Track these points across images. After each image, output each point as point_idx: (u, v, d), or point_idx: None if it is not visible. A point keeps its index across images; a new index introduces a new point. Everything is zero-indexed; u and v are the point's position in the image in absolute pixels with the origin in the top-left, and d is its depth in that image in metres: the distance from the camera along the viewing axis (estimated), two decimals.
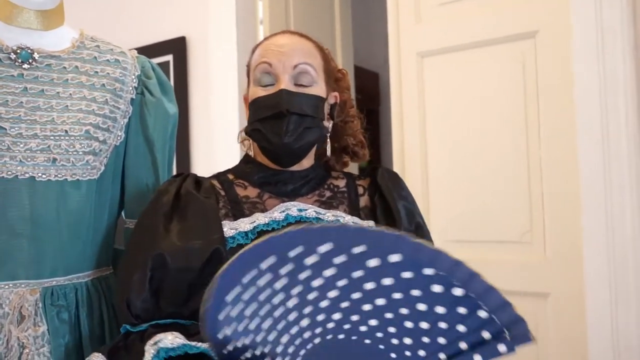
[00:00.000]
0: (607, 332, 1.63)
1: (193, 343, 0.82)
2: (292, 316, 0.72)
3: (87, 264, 1.05)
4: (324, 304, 0.71)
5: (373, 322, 0.72)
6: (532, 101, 1.81)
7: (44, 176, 0.98)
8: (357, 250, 0.67)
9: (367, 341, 0.73)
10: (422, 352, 0.73)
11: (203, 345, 0.81)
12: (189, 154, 2.35)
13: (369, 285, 0.69)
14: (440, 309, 0.70)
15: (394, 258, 0.67)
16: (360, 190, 1.08)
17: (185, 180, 1.03)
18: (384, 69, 2.36)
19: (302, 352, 0.74)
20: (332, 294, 0.70)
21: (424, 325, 0.71)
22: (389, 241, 0.68)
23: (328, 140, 1.10)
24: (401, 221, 1.01)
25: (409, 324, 0.72)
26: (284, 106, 0.99)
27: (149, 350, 0.81)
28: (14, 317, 0.95)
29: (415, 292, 0.69)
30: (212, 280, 0.67)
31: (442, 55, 1.97)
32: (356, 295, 0.70)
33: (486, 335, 0.71)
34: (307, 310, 0.71)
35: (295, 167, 1.06)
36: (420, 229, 1.04)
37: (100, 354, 0.89)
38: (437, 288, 0.69)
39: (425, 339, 0.72)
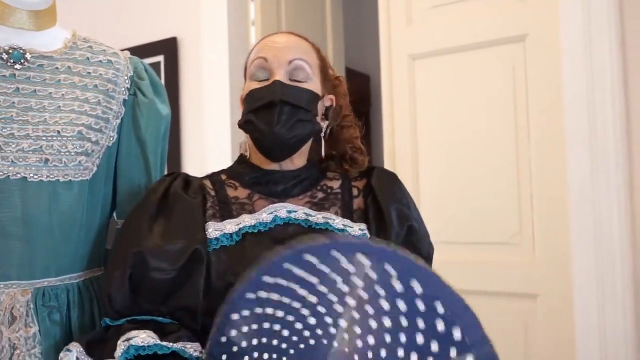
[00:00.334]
0: (595, 332, 1.64)
1: (164, 343, 0.84)
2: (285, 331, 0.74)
3: (79, 265, 1.05)
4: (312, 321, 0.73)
5: (358, 330, 0.73)
6: (522, 104, 1.83)
7: (36, 177, 0.98)
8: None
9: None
10: None
11: (175, 346, 0.84)
12: (180, 155, 2.34)
13: (362, 294, 0.70)
14: (420, 324, 0.70)
15: (388, 268, 0.68)
16: (355, 191, 1.07)
17: (176, 180, 1.03)
18: (376, 71, 2.37)
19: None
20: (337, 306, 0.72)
21: (403, 338, 0.71)
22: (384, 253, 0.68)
23: (323, 142, 1.09)
24: (392, 224, 0.99)
25: (388, 338, 0.72)
26: (277, 96, 0.99)
27: (121, 345, 0.84)
28: (6, 318, 0.95)
29: (401, 305, 0.70)
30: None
31: (434, 58, 1.99)
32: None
33: (453, 354, 0.70)
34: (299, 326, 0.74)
35: (287, 167, 1.05)
36: (412, 232, 1.02)
37: (78, 344, 0.90)
38: (421, 304, 0.69)
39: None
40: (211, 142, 2.26)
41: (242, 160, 1.10)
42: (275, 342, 0.76)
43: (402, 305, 0.69)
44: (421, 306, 0.68)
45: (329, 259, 0.69)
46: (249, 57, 1.09)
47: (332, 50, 2.61)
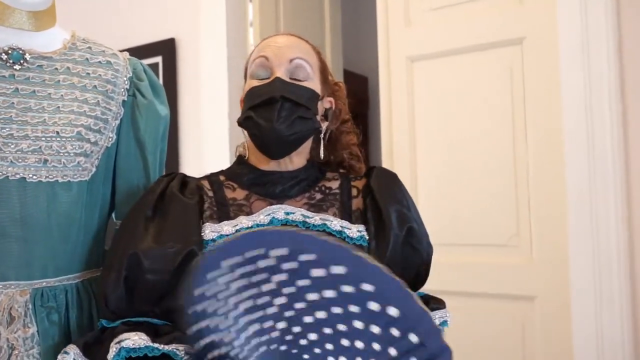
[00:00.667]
0: (592, 334, 1.65)
1: (156, 345, 0.85)
2: (243, 319, 0.73)
3: (77, 265, 1.05)
4: (270, 310, 0.72)
5: (313, 337, 0.72)
6: (519, 106, 1.84)
7: (34, 177, 0.98)
8: (306, 257, 0.67)
9: (306, 357, 0.73)
10: None
11: (166, 348, 0.84)
12: (177, 155, 2.34)
13: (312, 296, 0.70)
14: (375, 329, 0.70)
15: (337, 270, 0.68)
16: (354, 192, 1.07)
17: (173, 180, 1.03)
18: (373, 72, 2.37)
19: (251, 358, 0.74)
20: (279, 300, 0.71)
21: (359, 344, 0.71)
22: (333, 252, 0.68)
23: (322, 143, 1.09)
24: (391, 225, 0.99)
25: (345, 342, 0.72)
26: (278, 93, 0.99)
27: (112, 347, 0.85)
28: (4, 319, 0.95)
29: (354, 308, 0.70)
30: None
31: (431, 60, 1.99)
32: (299, 305, 0.71)
33: None
34: (257, 315, 0.72)
35: (285, 167, 1.05)
36: (412, 234, 1.01)
37: (75, 346, 0.91)
38: (373, 306, 0.69)
39: None
40: (209, 143, 2.26)
41: (240, 161, 1.10)
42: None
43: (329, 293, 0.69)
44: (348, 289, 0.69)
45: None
46: (249, 58, 1.09)
47: (330, 52, 2.61)
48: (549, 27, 1.76)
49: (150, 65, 1.25)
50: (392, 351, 0.70)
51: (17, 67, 1.01)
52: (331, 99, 1.11)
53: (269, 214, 0.99)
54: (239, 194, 1.04)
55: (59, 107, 1.02)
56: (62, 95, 1.03)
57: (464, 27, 1.93)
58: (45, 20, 1.06)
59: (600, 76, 1.66)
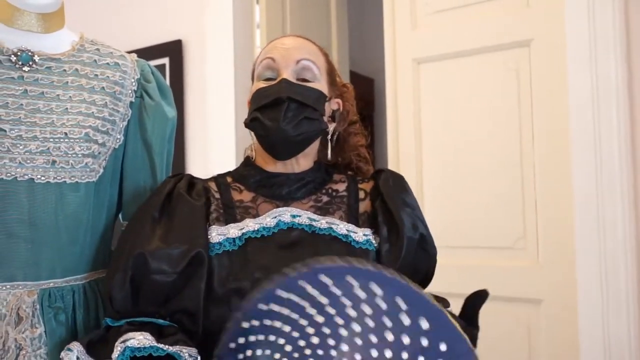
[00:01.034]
0: (599, 338, 1.64)
1: (160, 345, 0.85)
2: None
3: (85, 266, 1.06)
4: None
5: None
6: (526, 108, 1.83)
7: (42, 178, 0.98)
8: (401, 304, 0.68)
9: None
10: None
11: (170, 349, 0.84)
12: (184, 157, 2.35)
13: (390, 337, 0.71)
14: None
15: (424, 325, 0.68)
16: (362, 194, 1.06)
17: (180, 181, 1.04)
18: (380, 74, 2.37)
19: None
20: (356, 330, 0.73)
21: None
22: (421, 303, 0.69)
23: (329, 145, 1.09)
24: (404, 229, 0.99)
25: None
26: (284, 93, 0.99)
27: (117, 347, 0.85)
28: (12, 319, 0.96)
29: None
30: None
31: (438, 62, 1.99)
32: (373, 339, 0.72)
33: None
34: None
35: (292, 168, 1.05)
36: (424, 240, 1.02)
37: (79, 343, 0.91)
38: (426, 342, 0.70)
39: None
40: (215, 144, 2.26)
41: (247, 163, 1.10)
42: (277, 356, 0.77)
43: (405, 339, 0.69)
44: (425, 342, 0.69)
45: (343, 282, 0.70)
46: (256, 60, 1.09)
47: (337, 53, 2.62)
48: (557, 29, 1.76)
49: (157, 67, 1.26)
50: None
51: (26, 68, 1.02)
52: (339, 100, 1.11)
53: (275, 217, 0.99)
54: (246, 196, 1.04)
55: (67, 108, 1.02)
56: (70, 96, 1.04)
57: (470, 29, 1.92)
58: (54, 22, 1.07)
59: (607, 78, 1.65)
